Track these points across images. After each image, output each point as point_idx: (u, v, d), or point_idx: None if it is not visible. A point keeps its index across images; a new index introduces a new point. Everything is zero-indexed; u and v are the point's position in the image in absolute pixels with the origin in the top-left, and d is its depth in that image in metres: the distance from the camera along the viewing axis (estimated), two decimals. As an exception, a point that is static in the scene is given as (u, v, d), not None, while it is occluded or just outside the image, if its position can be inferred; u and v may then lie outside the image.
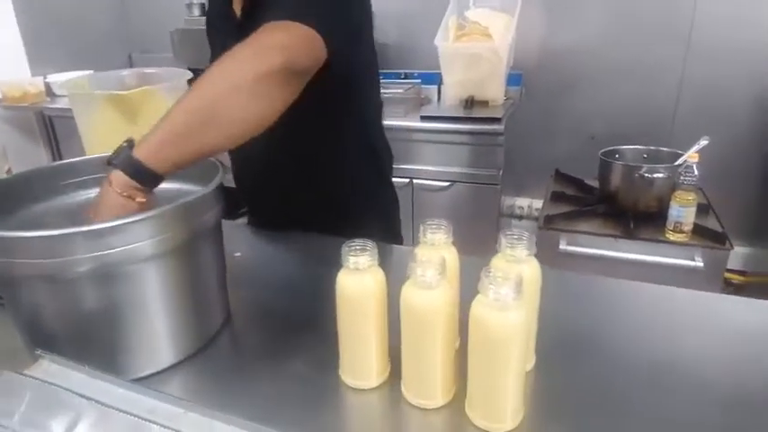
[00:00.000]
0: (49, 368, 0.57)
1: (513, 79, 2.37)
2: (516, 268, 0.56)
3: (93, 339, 0.64)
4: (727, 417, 0.60)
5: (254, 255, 1.03)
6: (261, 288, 0.92)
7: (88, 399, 0.51)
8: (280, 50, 0.68)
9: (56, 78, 2.93)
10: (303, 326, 0.78)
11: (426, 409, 0.60)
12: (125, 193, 0.64)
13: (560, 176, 2.33)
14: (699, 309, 0.83)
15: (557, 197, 2.16)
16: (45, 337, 0.64)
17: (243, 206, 1.22)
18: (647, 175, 1.83)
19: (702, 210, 1.94)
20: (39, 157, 3.13)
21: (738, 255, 2.33)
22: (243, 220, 1.24)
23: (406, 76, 2.50)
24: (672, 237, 1.79)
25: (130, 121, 0.85)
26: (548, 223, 1.97)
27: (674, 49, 2.29)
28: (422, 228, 0.64)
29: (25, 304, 0.64)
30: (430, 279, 0.55)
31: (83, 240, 0.58)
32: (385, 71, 2.55)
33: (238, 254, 1.00)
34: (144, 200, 0.65)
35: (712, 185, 2.10)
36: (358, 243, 0.59)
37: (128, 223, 0.59)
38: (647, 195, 1.88)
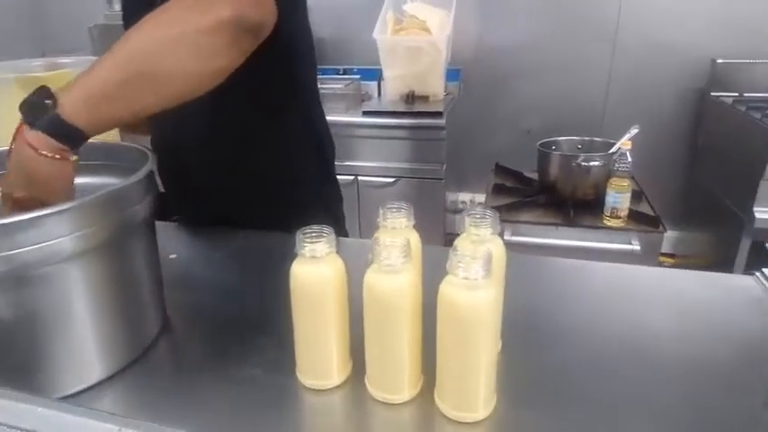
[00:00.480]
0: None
1: (452, 74, 2.38)
2: (482, 248, 0.53)
3: (6, 354, 0.55)
4: (688, 386, 0.60)
5: (191, 256, 0.95)
6: (201, 290, 0.84)
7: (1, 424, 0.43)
8: (227, 1, 0.60)
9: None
10: (251, 328, 0.72)
11: (394, 404, 0.56)
12: (57, 156, 0.55)
13: (500, 170, 2.37)
14: (646, 283, 0.84)
15: (498, 190, 2.19)
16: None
17: (175, 212, 1.11)
18: (583, 163, 1.89)
19: (636, 196, 2.03)
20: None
21: (668, 238, 2.46)
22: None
23: (345, 72, 2.45)
24: (609, 222, 1.86)
25: None
26: (492, 215, 1.99)
27: (602, 46, 2.40)
28: (381, 211, 0.60)
29: None
30: (395, 262, 0.51)
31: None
32: (323, 66, 2.49)
33: (174, 255, 0.91)
34: (77, 158, 0.57)
35: (643, 173, 2.21)
36: (314, 229, 0.54)
37: (43, 216, 0.51)
38: (585, 183, 1.94)
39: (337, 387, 0.59)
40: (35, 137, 0.55)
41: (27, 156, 0.56)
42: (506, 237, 1.94)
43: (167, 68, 0.59)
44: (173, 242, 0.96)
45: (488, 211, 0.58)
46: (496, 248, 0.58)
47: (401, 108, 2.13)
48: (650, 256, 1.80)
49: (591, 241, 1.86)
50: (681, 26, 2.27)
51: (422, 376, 0.58)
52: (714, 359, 0.64)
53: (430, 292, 0.52)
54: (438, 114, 2.05)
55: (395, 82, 2.22)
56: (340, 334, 0.57)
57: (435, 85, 2.19)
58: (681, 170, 2.47)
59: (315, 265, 0.54)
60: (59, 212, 0.52)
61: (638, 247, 1.80)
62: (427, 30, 2.08)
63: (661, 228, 1.81)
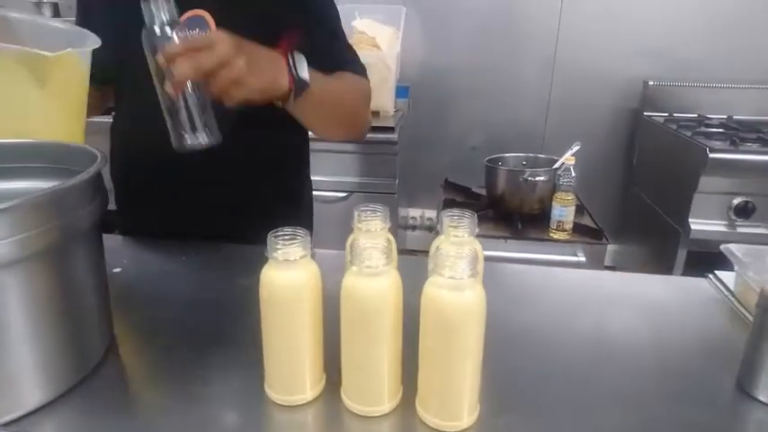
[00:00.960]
0: None
1: (401, 91, 2.40)
2: (466, 247, 0.51)
3: None
4: (660, 382, 0.61)
5: (138, 269, 0.87)
6: (150, 305, 0.77)
7: None
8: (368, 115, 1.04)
9: None
10: (210, 342, 0.66)
11: (373, 417, 0.53)
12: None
13: (449, 185, 2.40)
14: (606, 286, 0.86)
15: (448, 205, 2.21)
16: None
17: (115, 227, 1.03)
18: (529, 178, 1.95)
19: (578, 210, 2.11)
20: None
21: (609, 251, 2.57)
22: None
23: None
24: (555, 235, 1.91)
25: (39, 86, 0.65)
26: (443, 229, 2.00)
27: (541, 67, 2.51)
28: (356, 214, 0.57)
29: None
30: (376, 264, 0.48)
31: None
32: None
33: (118, 269, 0.84)
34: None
35: (584, 188, 2.30)
36: (287, 231, 0.50)
37: (-28, 218, 0.45)
38: (531, 198, 2.00)
39: (312, 402, 0.55)
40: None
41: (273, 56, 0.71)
42: (458, 251, 1.96)
43: (357, 109, 0.96)
44: (117, 255, 0.88)
45: (467, 212, 0.57)
46: (476, 249, 0.56)
47: (352, 123, 2.12)
48: (595, 267, 1.87)
49: (539, 253, 1.91)
50: (614, 50, 2.41)
51: (401, 387, 0.55)
52: (682, 355, 0.66)
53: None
54: (390, 129, 2.05)
55: (345, 97, 2.21)
56: (314, 344, 0.53)
57: (385, 101, 2.20)
58: (619, 185, 2.61)
59: (288, 270, 0.50)
60: (-8, 214, 0.45)
61: (583, 259, 1.86)
62: (377, 46, 2.09)
63: (604, 240, 1.89)
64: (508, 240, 1.95)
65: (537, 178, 1.95)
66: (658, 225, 2.18)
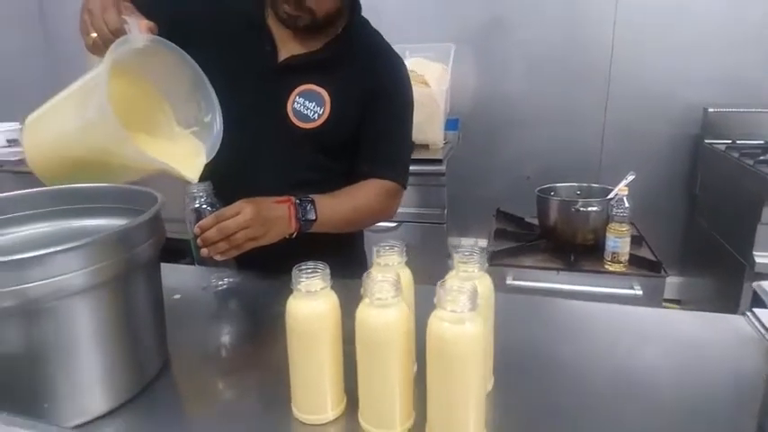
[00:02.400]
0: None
1: (451, 124, 2.46)
2: (476, 284, 0.55)
3: (16, 383, 0.57)
4: (682, 424, 0.60)
5: (195, 296, 0.97)
6: (203, 329, 0.86)
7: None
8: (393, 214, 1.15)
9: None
10: (249, 365, 0.74)
11: (384, 439, 0.57)
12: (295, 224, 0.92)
13: (502, 215, 2.41)
14: (641, 322, 0.85)
15: (500, 234, 2.22)
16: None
17: (186, 255, 1.15)
18: (581, 209, 1.92)
19: (636, 241, 2.05)
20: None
21: (672, 284, 2.46)
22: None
23: (349, 123, 2.55)
24: (610, 267, 1.87)
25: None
26: (494, 259, 2.01)
27: (596, 95, 2.48)
28: (375, 250, 0.63)
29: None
30: (385, 297, 0.53)
31: (5, 271, 0.53)
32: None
33: (178, 296, 0.94)
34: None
35: (642, 219, 2.23)
36: (309, 265, 0.57)
37: (53, 253, 0.55)
38: (584, 229, 1.97)
39: (332, 422, 0.60)
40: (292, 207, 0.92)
41: (282, 209, 0.91)
42: (508, 281, 1.95)
43: (366, 221, 1.15)
44: (178, 283, 0.99)
45: (476, 249, 0.61)
46: (484, 285, 0.60)
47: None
48: (653, 300, 1.80)
49: (593, 286, 1.86)
50: (672, 75, 2.35)
51: (414, 411, 0.59)
52: (708, 397, 0.65)
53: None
54: (438, 162, 2.11)
55: (397, 131, 2.30)
56: (334, 368, 0.59)
57: (435, 135, 2.26)
58: (680, 215, 2.50)
59: (310, 300, 0.56)
60: (68, 250, 0.55)
61: (640, 292, 1.81)
62: (426, 83, 2.17)
63: (662, 272, 1.82)
64: (560, 272, 1.92)
65: (589, 209, 1.93)
66: (722, 257, 2.07)
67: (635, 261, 1.87)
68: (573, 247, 1.97)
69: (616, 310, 0.91)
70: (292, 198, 0.92)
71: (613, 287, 1.84)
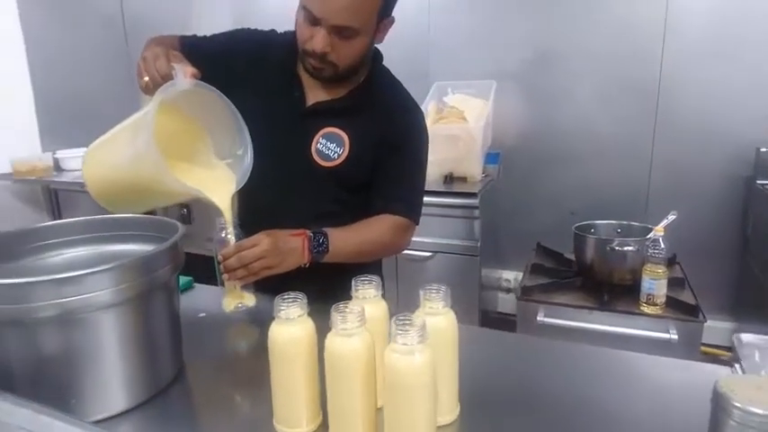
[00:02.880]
0: (6, 406, 0.61)
1: (491, 158, 2.51)
2: (423, 317, 0.61)
3: (50, 380, 0.69)
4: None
5: (218, 315, 1.08)
6: (219, 346, 0.97)
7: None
8: (404, 248, 1.22)
9: (64, 154, 3.11)
10: (253, 379, 0.82)
11: (349, 456, 0.64)
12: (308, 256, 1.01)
13: (541, 250, 2.40)
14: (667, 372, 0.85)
15: (536, 269, 2.22)
16: (6, 378, 0.69)
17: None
18: (617, 248, 1.90)
19: (678, 283, 1.99)
20: (42, 227, 3.26)
21: (724, 330, 2.34)
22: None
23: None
24: (645, 309, 1.82)
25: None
26: (525, 294, 2.01)
27: (642, 130, 2.44)
28: (353, 283, 0.71)
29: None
30: (349, 327, 0.60)
31: (46, 287, 0.65)
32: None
33: (203, 314, 1.05)
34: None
35: (688, 260, 2.16)
36: (290, 295, 0.66)
37: (86, 274, 0.67)
38: (621, 268, 1.94)
39: (305, 435, 0.67)
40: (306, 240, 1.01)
41: (297, 242, 1.00)
42: (539, 317, 1.95)
43: (377, 253, 1.20)
44: (206, 303, 1.10)
45: (442, 287, 0.67)
46: (448, 320, 0.66)
47: (439, 187, 2.27)
48: (690, 346, 1.74)
49: (626, 327, 1.83)
50: (723, 113, 2.28)
51: (377, 430, 0.65)
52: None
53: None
54: (472, 195, 2.16)
55: (435, 164, 2.37)
56: (309, 387, 0.67)
57: (472, 168, 2.32)
58: (730, 257, 2.38)
59: (288, 326, 0.65)
60: (98, 272, 0.67)
61: (675, 337, 1.75)
62: (464, 119, 2.24)
63: (701, 317, 1.75)
64: (593, 311, 1.90)
65: (626, 248, 1.90)
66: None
67: (672, 304, 1.82)
68: (609, 286, 1.94)
69: (605, 353, 0.92)
70: (307, 231, 1.02)
71: (648, 330, 1.79)
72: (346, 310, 0.61)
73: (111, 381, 0.73)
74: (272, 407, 0.69)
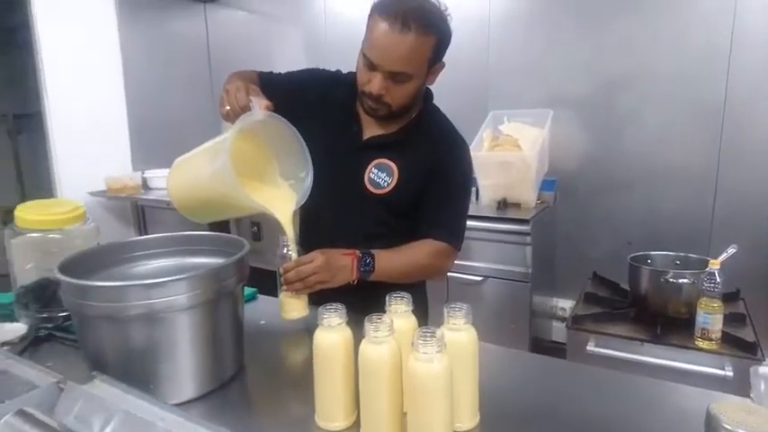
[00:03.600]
0: (98, 384, 0.76)
1: (547, 184, 2.53)
2: (444, 331, 0.70)
3: (135, 366, 0.84)
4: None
5: (276, 323, 1.21)
6: (275, 350, 1.10)
7: (118, 408, 0.69)
8: (446, 272, 1.33)
9: (152, 174, 3.45)
10: (301, 381, 0.92)
11: (377, 451, 0.73)
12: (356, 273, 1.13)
13: (597, 279, 2.39)
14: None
15: (589, 298, 2.21)
16: (101, 362, 0.84)
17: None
18: (672, 280, 1.88)
19: (738, 319, 1.92)
20: (129, 239, 3.62)
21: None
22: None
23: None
24: (700, 344, 1.78)
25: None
26: (576, 323, 2.02)
27: (708, 154, 2.37)
28: (387, 298, 0.81)
29: (90, 337, 0.86)
30: (379, 336, 0.70)
31: (137, 291, 0.80)
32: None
33: (263, 322, 1.19)
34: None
35: (753, 295, 2.08)
36: (332, 306, 0.77)
37: (169, 281, 0.81)
38: (676, 301, 1.91)
39: (342, 430, 0.77)
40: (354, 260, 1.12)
41: (345, 261, 1.12)
42: (589, 348, 1.95)
43: (419, 275, 1.28)
44: (267, 312, 1.23)
45: (464, 305, 0.75)
46: (468, 336, 0.75)
47: (492, 213, 2.33)
48: (745, 385, 1.68)
49: (679, 362, 1.79)
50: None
51: (403, 430, 0.74)
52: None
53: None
54: (524, 221, 2.20)
55: (488, 190, 2.44)
56: (345, 387, 0.77)
57: (526, 195, 2.36)
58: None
59: (329, 333, 0.76)
60: (177, 280, 0.82)
61: (730, 374, 1.70)
62: (519, 147, 2.30)
63: (759, 354, 1.69)
64: (645, 344, 1.87)
65: (681, 281, 1.87)
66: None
67: (730, 340, 1.76)
68: (663, 318, 1.91)
69: (640, 380, 0.96)
70: (356, 252, 1.13)
71: (701, 365, 1.75)
72: (378, 320, 0.71)
73: (183, 372, 0.87)
74: (314, 404, 0.80)
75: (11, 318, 1.11)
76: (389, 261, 1.17)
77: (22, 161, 4.27)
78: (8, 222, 1.13)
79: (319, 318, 0.76)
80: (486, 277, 2.30)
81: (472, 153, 2.32)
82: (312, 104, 1.28)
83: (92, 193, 3.39)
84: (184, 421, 0.66)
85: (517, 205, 2.41)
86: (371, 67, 1.12)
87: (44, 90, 3.28)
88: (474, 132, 2.46)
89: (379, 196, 1.23)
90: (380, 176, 1.23)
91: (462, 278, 2.33)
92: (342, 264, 1.11)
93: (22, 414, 0.67)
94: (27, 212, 1.09)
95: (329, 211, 1.26)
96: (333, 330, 0.76)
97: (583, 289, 2.31)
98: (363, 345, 0.72)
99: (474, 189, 2.59)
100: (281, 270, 1.09)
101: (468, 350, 0.75)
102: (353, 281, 1.12)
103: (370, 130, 1.26)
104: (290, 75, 1.36)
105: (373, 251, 1.15)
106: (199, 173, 1.08)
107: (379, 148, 1.24)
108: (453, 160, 1.26)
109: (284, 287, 1.09)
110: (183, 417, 0.67)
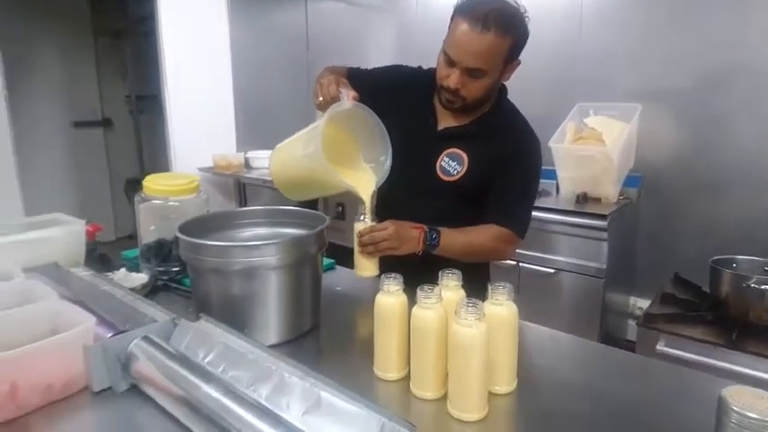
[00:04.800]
0: (204, 323, 0.96)
1: (632, 180, 2.48)
2: (483, 303, 0.81)
3: (234, 313, 1.03)
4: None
5: (350, 289, 1.37)
6: (347, 311, 1.26)
7: (219, 341, 0.88)
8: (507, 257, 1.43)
9: (253, 155, 3.78)
10: (366, 336, 1.08)
11: (423, 399, 0.86)
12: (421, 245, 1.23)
13: (679, 281, 2.32)
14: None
15: (666, 299, 2.17)
16: (207, 306, 1.04)
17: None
18: (754, 286, 1.81)
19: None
20: (230, 211, 4.01)
21: None
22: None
23: (528, 171, 2.76)
24: (779, 353, 1.71)
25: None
26: (647, 321, 2.00)
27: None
28: (440, 274, 0.93)
29: (200, 285, 1.07)
30: (428, 303, 0.83)
31: (239, 250, 0.99)
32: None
33: (339, 288, 1.36)
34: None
35: None
36: (392, 275, 0.90)
37: (263, 245, 0.99)
38: (758, 307, 1.83)
39: (394, 381, 0.91)
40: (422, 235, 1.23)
41: (415, 233, 1.22)
42: (659, 347, 1.93)
43: (480, 256, 1.37)
44: (344, 280, 1.41)
45: (507, 284, 0.86)
46: (509, 310, 0.85)
47: (569, 206, 2.33)
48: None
49: (753, 370, 1.73)
50: None
51: (444, 386, 0.86)
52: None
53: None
54: (602, 217, 2.18)
55: (568, 183, 2.44)
56: (399, 344, 0.90)
57: (607, 190, 2.34)
58: None
59: (388, 297, 0.89)
60: (269, 244, 0.99)
61: (811, 387, 1.62)
62: (602, 141, 2.27)
63: None
64: (719, 348, 1.83)
65: (763, 286, 1.80)
66: None
67: (815, 353, 1.68)
68: (742, 324, 1.84)
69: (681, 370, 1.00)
70: (424, 226, 1.24)
71: (779, 375, 1.68)
72: (429, 290, 0.84)
73: (270, 320, 1.05)
74: (374, 357, 0.94)
75: (136, 269, 1.36)
76: (453, 239, 1.27)
77: (143, 138, 4.83)
78: (130, 191, 1.38)
79: (381, 284, 0.90)
80: (559, 270, 2.32)
81: (553, 145, 2.40)
82: (394, 98, 1.40)
83: (200, 169, 3.80)
84: (268, 356, 0.83)
85: (597, 200, 2.39)
86: (450, 63, 1.23)
87: (163, 75, 3.70)
88: (558, 124, 2.47)
89: (450, 183, 1.34)
90: (451, 165, 1.34)
91: (534, 269, 2.37)
92: (410, 235, 1.22)
93: (147, 339, 0.87)
94: (153, 183, 1.34)
95: (404, 194, 1.39)
96: (391, 295, 0.89)
97: (662, 289, 2.27)
98: (415, 309, 0.85)
99: (554, 183, 2.61)
100: (357, 233, 1.21)
101: (508, 322, 0.85)
102: (419, 252, 1.24)
103: (445, 121, 1.37)
104: (375, 70, 1.50)
105: (440, 228, 1.26)
106: (295, 155, 1.26)
107: (452, 138, 1.35)
108: (522, 153, 1.34)
109: (358, 249, 1.21)
110: (267, 353, 0.84)
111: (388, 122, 1.23)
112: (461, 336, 0.78)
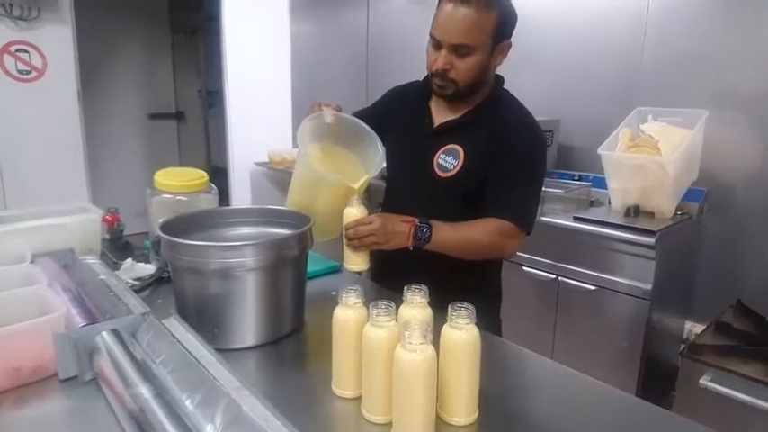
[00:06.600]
0: (171, 321, 0.96)
1: (694, 194, 2.24)
2: (450, 332, 0.76)
3: (206, 313, 1.03)
4: None
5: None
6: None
7: (174, 341, 0.87)
8: (510, 253, 1.30)
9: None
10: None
11: (372, 423, 0.82)
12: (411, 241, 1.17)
13: (741, 308, 2.08)
14: None
15: (721, 327, 1.95)
16: (184, 305, 1.06)
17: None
18: (822, 323, 1.57)
19: None
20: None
21: None
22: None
23: (580, 178, 2.58)
24: None
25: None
26: (693, 351, 1.81)
27: None
28: (405, 289, 0.87)
29: (179, 284, 1.08)
30: (380, 320, 0.78)
31: (215, 250, 0.99)
32: (563, 171, 2.69)
33: (334, 292, 1.32)
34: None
35: None
36: (352, 287, 0.86)
37: (240, 245, 0.99)
38: (827, 349, 1.60)
39: (351, 399, 0.88)
40: (412, 229, 1.17)
41: (404, 227, 1.17)
42: (702, 381, 1.74)
43: (479, 253, 1.26)
44: (339, 284, 1.37)
45: (469, 305, 0.78)
46: (469, 333, 0.78)
47: (617, 220, 2.16)
48: None
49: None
50: None
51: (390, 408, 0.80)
52: None
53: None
54: (650, 233, 1.99)
55: (619, 194, 2.24)
56: (357, 361, 0.85)
57: (662, 204, 2.12)
58: None
59: (346, 310, 0.86)
60: (247, 245, 0.99)
61: None
62: (657, 149, 2.07)
63: None
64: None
65: (834, 326, 1.56)
66: None
67: None
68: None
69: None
70: (415, 220, 1.17)
71: None
72: (383, 305, 0.79)
73: (247, 322, 1.04)
74: (332, 372, 0.91)
75: (146, 260, 1.41)
76: (447, 234, 1.19)
77: (210, 131, 5.08)
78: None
79: (339, 296, 0.86)
80: (601, 287, 2.15)
81: (603, 152, 2.21)
82: (393, 114, 1.43)
83: (257, 163, 3.93)
84: (215, 361, 0.82)
85: (650, 214, 2.19)
86: (437, 45, 1.21)
87: (225, 72, 3.86)
88: (613, 129, 2.29)
89: (446, 179, 1.29)
90: (447, 160, 1.29)
91: (574, 285, 2.21)
92: (399, 230, 1.16)
93: (114, 333, 0.89)
94: (163, 178, 1.38)
95: (404, 194, 1.38)
96: (349, 308, 0.85)
97: (718, 316, 2.04)
98: (366, 326, 0.80)
99: (608, 191, 2.42)
100: (344, 227, 1.18)
101: (468, 348, 0.78)
102: (409, 247, 1.17)
103: (440, 117, 1.34)
104: (375, 103, 1.54)
105: (433, 222, 1.18)
106: (297, 178, 1.31)
107: (448, 133, 1.31)
108: (519, 143, 1.25)
109: (345, 242, 1.19)
110: (215, 358, 0.83)
111: (392, 132, 1.25)
112: (402, 362, 0.73)
